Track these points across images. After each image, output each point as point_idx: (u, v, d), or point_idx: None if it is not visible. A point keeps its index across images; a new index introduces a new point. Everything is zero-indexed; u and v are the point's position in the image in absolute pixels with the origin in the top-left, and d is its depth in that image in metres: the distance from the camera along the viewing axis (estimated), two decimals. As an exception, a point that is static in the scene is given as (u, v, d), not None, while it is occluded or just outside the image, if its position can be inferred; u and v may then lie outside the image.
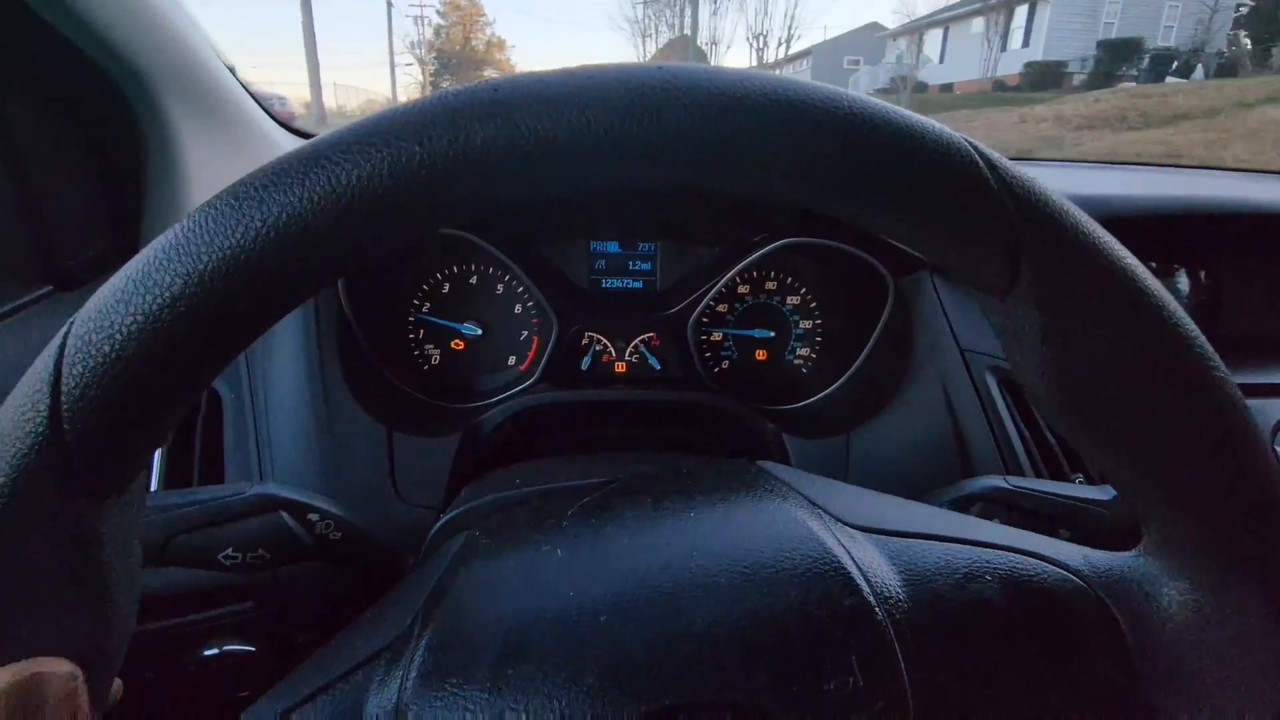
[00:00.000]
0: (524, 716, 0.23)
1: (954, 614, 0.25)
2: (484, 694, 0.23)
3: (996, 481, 0.42)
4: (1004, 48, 18.30)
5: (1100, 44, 15.50)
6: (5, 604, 0.18)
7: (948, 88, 19.22)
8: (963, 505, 0.42)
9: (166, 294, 0.17)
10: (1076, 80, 15.28)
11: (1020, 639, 0.25)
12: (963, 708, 0.24)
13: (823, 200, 0.21)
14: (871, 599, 0.25)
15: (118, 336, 0.18)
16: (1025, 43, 17.55)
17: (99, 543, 0.20)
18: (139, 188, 0.64)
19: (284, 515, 0.37)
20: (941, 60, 21.29)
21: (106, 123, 0.60)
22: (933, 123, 0.20)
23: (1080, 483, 0.48)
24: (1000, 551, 0.27)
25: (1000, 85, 16.92)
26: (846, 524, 0.29)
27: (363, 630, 0.29)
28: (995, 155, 0.21)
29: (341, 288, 0.60)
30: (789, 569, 0.26)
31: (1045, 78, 15.43)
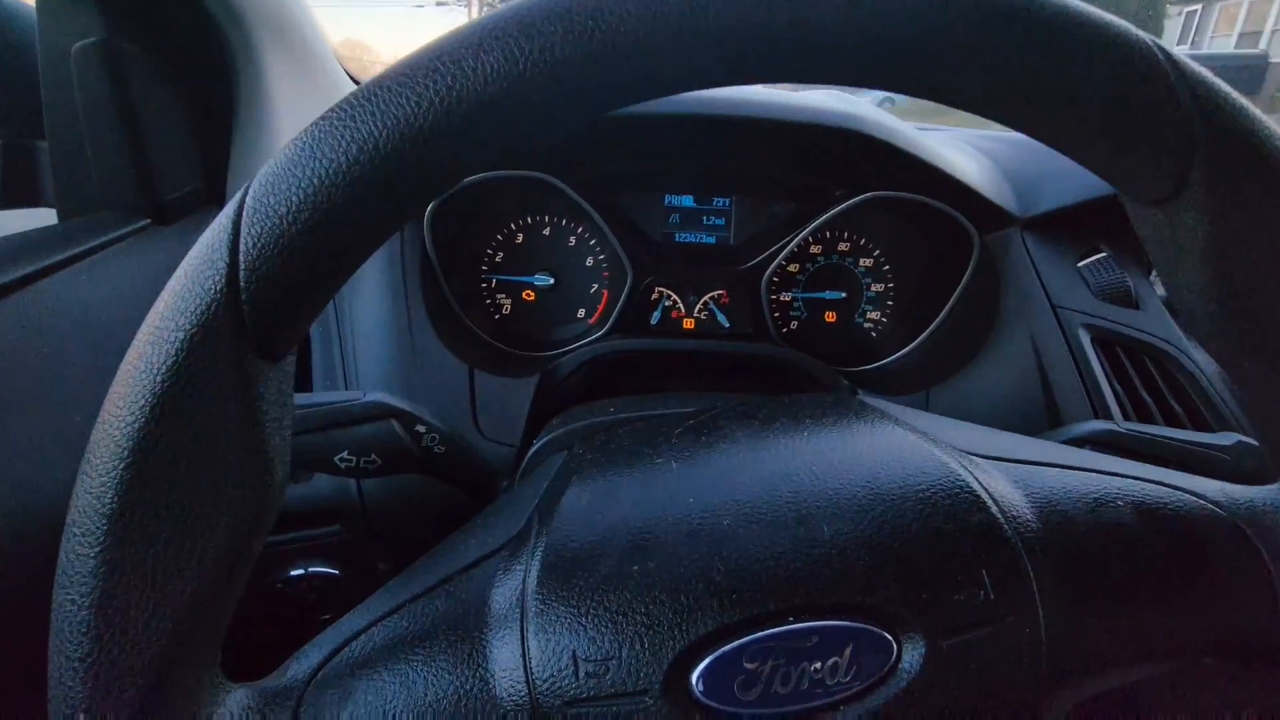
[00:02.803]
0: (651, 608, 0.23)
1: (1086, 537, 0.24)
2: (610, 588, 0.24)
3: (1106, 425, 0.40)
4: None
5: None
6: (178, 462, 0.19)
7: None
8: None
9: (343, 158, 0.18)
10: None
11: (1156, 565, 0.24)
12: (1095, 629, 0.24)
13: (983, 87, 0.20)
14: (1000, 517, 0.24)
15: (294, 199, 0.18)
16: None
17: (263, 404, 0.20)
18: (229, 130, 0.66)
19: (394, 424, 0.38)
20: None
21: (207, 65, 0.62)
22: (1112, 16, 0.19)
23: None
24: (1130, 480, 0.26)
25: None
26: (964, 451, 0.28)
27: (474, 534, 0.30)
28: (1176, 51, 0.20)
29: (426, 228, 0.60)
30: (912, 485, 0.25)
31: None
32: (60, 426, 0.48)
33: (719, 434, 0.31)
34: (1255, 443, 0.39)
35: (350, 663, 0.24)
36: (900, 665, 0.23)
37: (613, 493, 0.28)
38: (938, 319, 0.66)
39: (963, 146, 0.66)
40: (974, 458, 0.27)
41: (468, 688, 0.23)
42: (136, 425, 0.18)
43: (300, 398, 0.38)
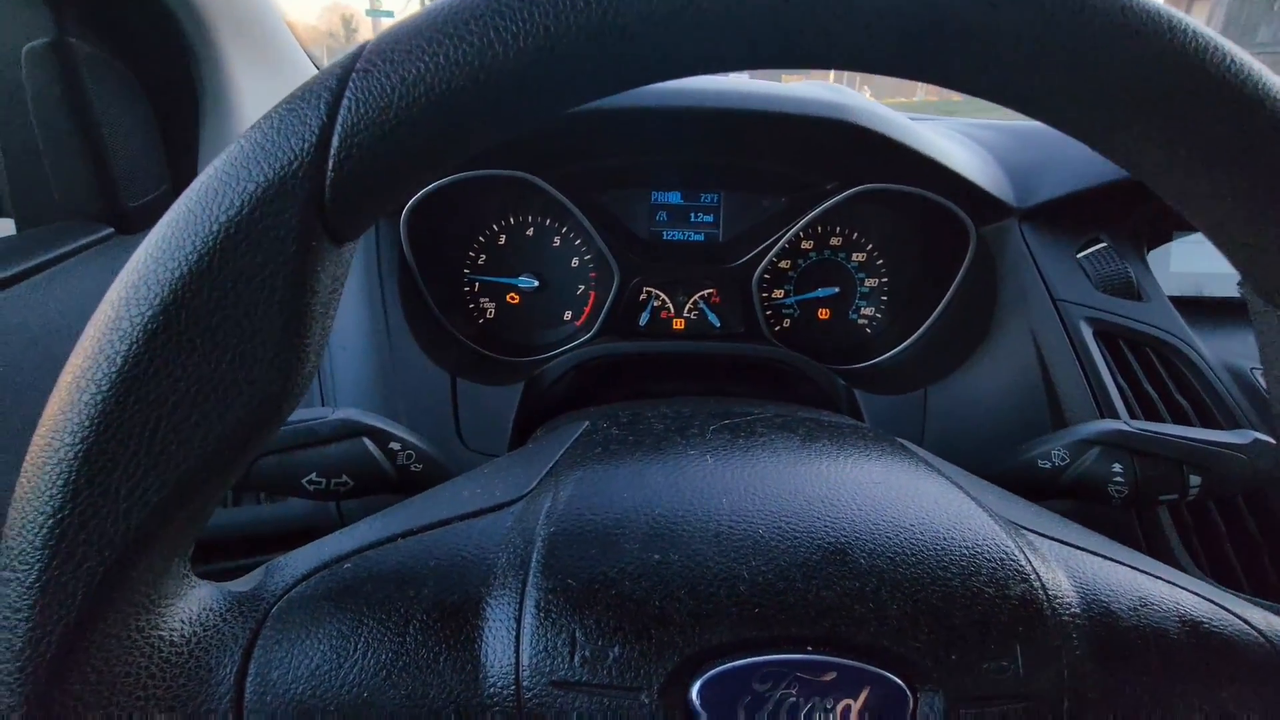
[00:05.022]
0: (667, 603, 0.21)
1: (1126, 633, 0.23)
2: (626, 573, 0.22)
3: (1115, 424, 0.39)
4: None
5: None
6: (212, 322, 0.17)
7: None
8: (1078, 450, 0.39)
9: (476, 42, 0.16)
10: None
11: (1193, 679, 0.23)
12: None
13: (1162, 165, 0.18)
14: (1043, 594, 0.23)
15: (417, 68, 0.17)
16: None
17: (315, 285, 0.19)
18: (195, 132, 0.63)
19: (367, 442, 0.36)
20: None
21: (166, 62, 0.59)
22: None
23: None
24: (1177, 589, 0.25)
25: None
26: (1012, 522, 0.27)
27: (477, 482, 0.28)
28: None
29: (403, 229, 0.58)
30: (957, 540, 0.24)
31: None
32: (16, 448, 0.46)
33: (757, 439, 0.29)
34: (1272, 440, 0.37)
35: (329, 587, 0.22)
36: None
37: (640, 472, 0.27)
38: (934, 314, 0.64)
39: (957, 136, 0.64)
40: (1022, 530, 0.26)
41: (449, 644, 0.21)
42: (178, 271, 0.17)
43: None
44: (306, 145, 0.17)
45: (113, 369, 0.17)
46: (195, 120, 0.62)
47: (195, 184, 0.18)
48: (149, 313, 0.17)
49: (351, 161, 0.17)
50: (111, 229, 0.58)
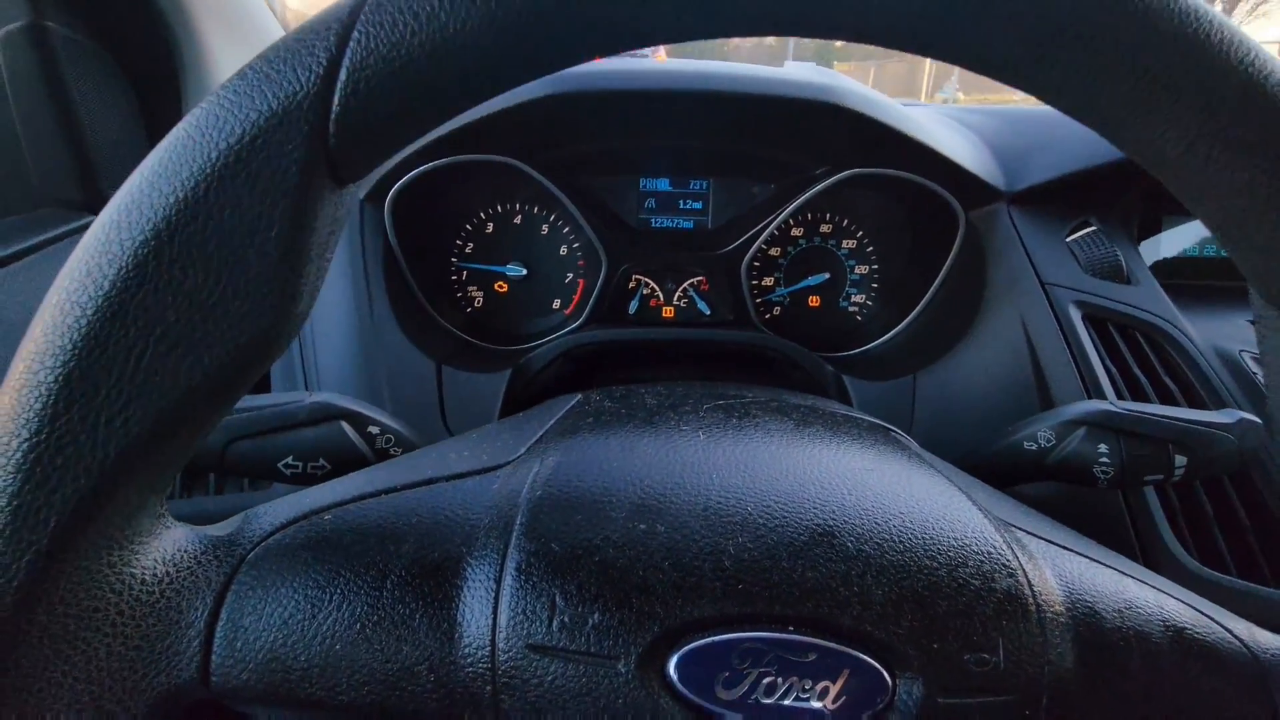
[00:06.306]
0: (650, 574, 0.21)
1: (1108, 635, 0.23)
2: (611, 541, 0.22)
3: (1102, 405, 0.38)
4: None
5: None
6: (207, 248, 0.17)
7: None
8: (1064, 431, 0.38)
9: None
10: None
11: (1169, 684, 0.23)
12: None
13: (1179, 161, 0.18)
14: (1028, 590, 0.23)
15: (435, 2, 0.16)
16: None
17: (314, 222, 0.18)
18: (178, 118, 0.62)
19: (344, 426, 0.35)
20: None
21: (147, 49, 0.58)
22: None
23: None
24: (1164, 595, 0.25)
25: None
26: (1003, 519, 0.27)
27: (464, 446, 0.28)
28: None
29: (388, 216, 0.57)
30: (945, 531, 0.24)
31: None
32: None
33: (750, 421, 0.29)
34: (1258, 420, 0.37)
35: (308, 537, 0.22)
36: (892, 710, 0.21)
37: (630, 444, 0.26)
38: (924, 300, 0.64)
39: (946, 121, 0.64)
40: (1011, 527, 0.26)
41: (425, 601, 0.21)
42: (173, 197, 0.16)
43: (240, 401, 0.35)
44: (313, 76, 0.16)
45: (99, 292, 0.16)
46: (178, 106, 0.61)
47: (196, 110, 0.17)
48: (140, 237, 0.16)
49: (358, 97, 0.17)
50: (91, 217, 0.57)
